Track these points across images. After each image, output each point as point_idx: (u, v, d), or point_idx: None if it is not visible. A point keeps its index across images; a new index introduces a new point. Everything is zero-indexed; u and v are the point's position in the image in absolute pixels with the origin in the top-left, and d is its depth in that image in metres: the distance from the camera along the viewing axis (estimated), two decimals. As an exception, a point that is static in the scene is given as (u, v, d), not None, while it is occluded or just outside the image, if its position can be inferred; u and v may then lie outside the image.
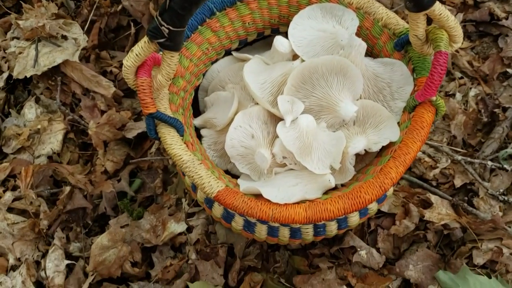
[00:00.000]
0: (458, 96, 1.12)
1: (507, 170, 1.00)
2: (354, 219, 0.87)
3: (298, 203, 0.75)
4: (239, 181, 0.82)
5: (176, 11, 0.66)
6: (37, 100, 1.19)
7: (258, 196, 0.77)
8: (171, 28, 0.68)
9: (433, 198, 0.95)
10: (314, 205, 0.74)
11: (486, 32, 1.20)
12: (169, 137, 0.79)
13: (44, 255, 1.03)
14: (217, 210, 0.88)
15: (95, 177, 1.05)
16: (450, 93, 1.13)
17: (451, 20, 0.75)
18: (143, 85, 0.76)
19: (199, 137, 0.92)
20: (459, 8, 1.22)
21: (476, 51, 1.19)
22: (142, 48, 0.72)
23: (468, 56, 1.17)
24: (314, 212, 0.74)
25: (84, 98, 1.11)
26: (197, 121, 0.92)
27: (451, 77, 1.15)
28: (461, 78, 1.15)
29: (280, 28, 0.98)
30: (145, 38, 0.72)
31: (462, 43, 1.18)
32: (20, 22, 1.13)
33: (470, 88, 1.12)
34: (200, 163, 0.77)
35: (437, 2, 0.74)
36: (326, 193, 0.80)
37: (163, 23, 0.68)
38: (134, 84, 0.77)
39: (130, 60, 0.74)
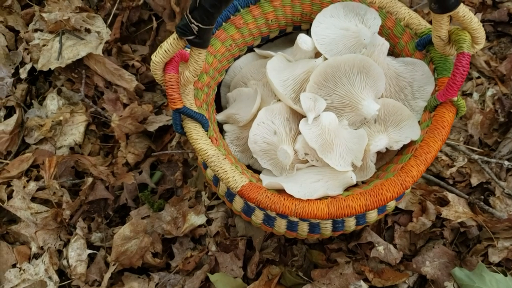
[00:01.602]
0: (475, 95, 1.13)
1: (523, 171, 1.02)
2: (373, 215, 0.89)
3: (320, 199, 0.77)
4: (261, 176, 0.84)
5: (206, 9, 0.68)
6: (59, 92, 1.21)
7: (281, 191, 0.78)
8: (200, 25, 0.70)
9: (450, 196, 0.96)
10: (336, 202, 0.76)
11: (504, 33, 1.21)
12: (194, 131, 0.80)
13: (66, 244, 1.06)
14: (238, 204, 0.90)
15: (117, 169, 1.08)
16: (467, 92, 1.14)
17: (475, 22, 0.76)
18: (171, 81, 0.77)
19: (221, 132, 0.94)
20: (478, 8, 1.22)
21: (493, 51, 1.20)
22: (171, 44, 0.74)
23: (486, 56, 1.17)
24: (336, 208, 0.75)
25: (107, 91, 1.13)
26: (220, 117, 0.94)
27: (468, 77, 1.16)
28: (478, 77, 1.16)
29: (302, 25, 0.99)
30: (174, 35, 0.73)
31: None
32: (44, 14, 1.15)
33: (488, 88, 1.12)
34: (225, 158, 0.79)
35: (462, 4, 0.75)
36: (347, 189, 0.82)
37: (193, 20, 0.69)
38: (162, 79, 0.78)
39: (158, 56, 0.75)
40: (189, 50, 0.76)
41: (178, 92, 0.78)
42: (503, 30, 1.21)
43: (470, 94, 1.14)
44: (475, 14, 1.21)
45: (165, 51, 0.75)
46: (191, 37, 0.72)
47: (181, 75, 0.79)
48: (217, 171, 0.78)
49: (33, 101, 1.22)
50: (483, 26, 1.20)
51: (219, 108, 1.00)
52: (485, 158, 1.01)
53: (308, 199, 0.76)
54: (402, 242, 0.96)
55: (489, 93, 1.13)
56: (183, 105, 0.79)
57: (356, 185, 0.83)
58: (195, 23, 0.70)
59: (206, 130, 0.82)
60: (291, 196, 0.77)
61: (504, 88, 1.14)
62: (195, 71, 0.78)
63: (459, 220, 0.92)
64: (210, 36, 0.74)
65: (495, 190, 0.99)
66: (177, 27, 0.72)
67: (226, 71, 0.98)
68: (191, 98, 0.84)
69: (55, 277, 1.01)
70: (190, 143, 0.81)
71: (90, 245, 1.05)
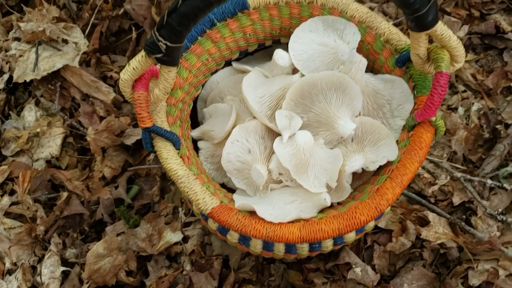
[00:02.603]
0: (460, 110, 1.10)
1: (506, 190, 0.99)
2: (351, 235, 0.86)
3: (292, 222, 0.75)
4: (234, 196, 0.82)
5: (173, 27, 0.66)
6: (37, 103, 1.19)
7: (253, 213, 0.76)
8: (168, 44, 0.68)
9: (431, 216, 0.94)
10: (308, 225, 0.74)
11: (491, 45, 1.19)
12: (165, 151, 0.78)
13: (40, 260, 1.03)
14: (213, 223, 0.88)
15: (92, 184, 1.05)
16: (452, 106, 1.12)
17: (453, 40, 0.74)
18: (140, 99, 0.75)
19: (196, 148, 0.91)
20: (465, 19, 1.20)
21: (480, 64, 1.17)
22: (139, 62, 0.72)
23: (472, 69, 1.15)
24: (309, 232, 0.73)
25: (83, 103, 1.10)
26: (195, 133, 0.92)
27: (454, 90, 1.14)
28: (464, 91, 1.14)
29: (281, 39, 0.97)
30: (142, 53, 0.71)
31: (466, 56, 1.17)
32: (21, 24, 1.13)
33: (473, 103, 1.10)
34: (196, 178, 0.77)
35: (440, 22, 0.72)
36: (322, 211, 0.80)
37: (160, 38, 0.67)
38: (131, 97, 0.76)
39: (127, 73, 0.73)
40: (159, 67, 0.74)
41: (147, 110, 0.76)
42: (490, 42, 1.19)
43: (455, 109, 1.11)
44: (462, 26, 1.19)
45: (134, 68, 0.73)
46: (159, 55, 0.70)
47: (151, 92, 0.77)
48: (187, 192, 0.76)
49: (10, 112, 1.19)
50: (470, 38, 1.19)
51: (196, 123, 0.97)
52: (468, 176, 0.99)
53: (280, 222, 0.74)
54: (381, 262, 0.93)
55: (474, 107, 1.11)
56: (152, 124, 0.77)
57: (331, 206, 0.81)
58: (163, 41, 0.68)
59: (178, 149, 0.80)
60: (263, 219, 0.75)
61: (490, 103, 1.11)
62: (165, 89, 0.76)
63: (439, 241, 0.90)
64: (179, 54, 0.72)
65: (477, 209, 0.97)
66: (145, 45, 0.70)
67: (203, 85, 0.96)
68: (163, 115, 0.82)
69: (28, 294, 0.99)
70: (160, 162, 0.78)
71: (64, 261, 1.02)
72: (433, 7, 0.68)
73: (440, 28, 0.72)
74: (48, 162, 1.13)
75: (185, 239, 1.00)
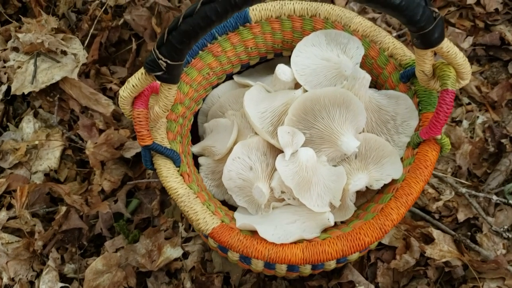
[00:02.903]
0: (465, 123, 1.09)
1: (512, 205, 0.98)
2: (354, 255, 0.85)
3: (295, 242, 0.73)
4: (235, 215, 0.80)
5: (174, 45, 0.64)
6: (36, 114, 1.18)
7: (255, 232, 0.75)
8: (168, 61, 0.66)
9: (435, 233, 0.92)
10: (311, 246, 0.72)
11: (496, 57, 1.17)
12: (165, 169, 0.77)
13: (38, 275, 1.02)
14: (214, 242, 0.86)
15: (91, 198, 1.04)
16: (456, 119, 1.10)
17: (460, 57, 0.72)
18: (139, 117, 0.74)
19: (197, 164, 0.90)
20: (469, 31, 1.18)
21: (485, 75, 1.16)
22: (139, 79, 0.70)
23: (477, 81, 1.14)
24: (312, 254, 0.72)
25: (82, 116, 1.09)
26: (195, 149, 0.90)
27: (458, 103, 1.12)
28: (469, 104, 1.12)
29: (284, 52, 0.96)
30: (142, 70, 0.69)
31: (471, 67, 1.15)
32: (19, 35, 1.11)
33: (478, 116, 1.08)
34: (196, 197, 0.76)
35: (446, 39, 0.71)
36: (325, 230, 0.78)
37: (160, 56, 0.66)
38: (130, 115, 0.75)
39: (126, 91, 0.72)
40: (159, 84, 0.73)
41: (147, 128, 0.75)
42: (495, 54, 1.17)
43: (460, 122, 1.10)
44: (466, 37, 1.17)
45: (133, 85, 0.72)
46: (159, 73, 0.69)
47: (151, 109, 0.76)
48: (187, 211, 0.74)
49: (9, 123, 1.18)
50: (475, 49, 1.17)
51: (196, 137, 0.96)
52: (473, 192, 0.97)
53: (282, 244, 0.73)
54: (385, 280, 0.92)
55: (479, 120, 1.09)
56: (152, 142, 0.75)
57: (335, 225, 0.80)
58: (163, 59, 0.67)
59: (178, 166, 0.78)
60: (265, 239, 0.73)
61: (495, 116, 1.10)
62: (165, 107, 0.75)
63: (443, 260, 0.88)
64: (180, 71, 0.70)
65: (483, 226, 0.95)
66: (145, 63, 0.68)
67: (204, 100, 0.94)
68: (163, 132, 0.81)
69: (25, 310, 0.97)
70: (160, 180, 0.77)
71: (63, 276, 1.01)
72: (439, 25, 0.66)
73: (446, 45, 0.71)
74: (46, 175, 1.11)
75: (185, 255, 0.98)
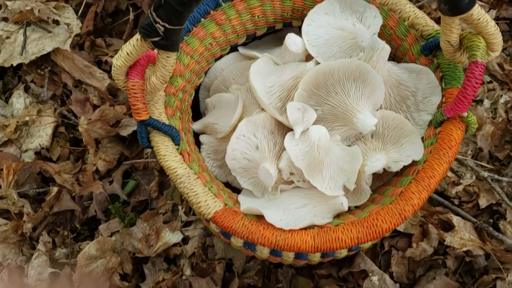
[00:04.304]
0: (486, 102, 1.01)
1: (537, 191, 0.91)
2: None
3: (305, 228, 0.67)
4: (240, 198, 0.74)
5: (173, 7, 0.58)
6: (27, 89, 1.10)
7: (261, 216, 0.68)
8: (167, 25, 0.60)
9: (455, 219, 0.85)
10: (323, 233, 0.66)
11: (520, 32, 1.09)
12: (162, 147, 0.70)
13: (28, 260, 0.96)
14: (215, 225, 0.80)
15: (83, 177, 0.97)
16: (477, 99, 1.03)
17: (491, 25, 0.65)
18: (134, 88, 0.67)
19: (198, 143, 0.83)
20: (492, 4, 1.10)
21: (508, 52, 1.08)
22: (134, 46, 0.64)
23: (499, 57, 1.06)
24: (324, 241, 0.66)
25: (75, 90, 1.01)
26: (196, 126, 0.83)
27: (478, 81, 1.05)
28: (490, 82, 1.05)
29: (293, 22, 0.89)
30: (137, 36, 0.63)
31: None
32: (8, 3, 1.03)
33: (501, 96, 1.01)
34: (197, 178, 0.69)
35: (477, 5, 0.63)
36: (337, 216, 0.72)
37: (158, 19, 0.60)
38: (125, 86, 0.68)
39: (120, 59, 0.65)
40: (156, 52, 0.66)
41: (143, 101, 0.68)
42: (519, 29, 1.09)
43: (481, 101, 1.02)
44: (489, 11, 1.09)
45: (128, 53, 0.65)
46: (156, 39, 0.62)
47: (148, 80, 0.68)
48: (187, 193, 0.68)
49: (-2, 98, 1.11)
50: (497, 24, 1.09)
51: (197, 114, 0.89)
52: (496, 176, 0.90)
53: (291, 229, 0.66)
54: (399, 269, 0.85)
55: (502, 100, 1.01)
56: (148, 116, 0.69)
57: (348, 210, 0.73)
58: (161, 22, 0.60)
59: (177, 144, 0.72)
60: (272, 224, 0.66)
61: (519, 95, 1.02)
62: (163, 77, 0.68)
63: (464, 249, 0.82)
64: (179, 38, 0.63)
65: (506, 213, 0.88)
66: (141, 27, 0.62)
67: (206, 72, 0.87)
68: (161, 106, 0.74)
69: (14, 297, 0.91)
70: (158, 159, 0.70)
71: (54, 261, 0.95)
72: (470, -13, 0.59)
73: (477, 12, 0.64)
74: (38, 153, 1.04)
75: (185, 240, 0.92)
